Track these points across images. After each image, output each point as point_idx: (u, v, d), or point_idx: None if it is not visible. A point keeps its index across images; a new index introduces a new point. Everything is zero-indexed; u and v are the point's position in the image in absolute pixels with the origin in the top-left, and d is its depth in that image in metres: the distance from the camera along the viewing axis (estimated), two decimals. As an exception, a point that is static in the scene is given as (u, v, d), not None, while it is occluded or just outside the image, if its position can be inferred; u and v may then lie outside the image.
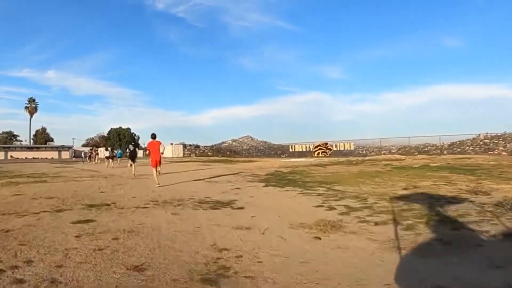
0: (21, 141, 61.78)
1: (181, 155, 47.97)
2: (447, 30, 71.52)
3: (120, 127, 63.44)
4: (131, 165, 13.77)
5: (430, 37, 74.42)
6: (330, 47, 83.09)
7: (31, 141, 60.75)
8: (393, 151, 32.62)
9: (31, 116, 60.99)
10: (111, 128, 63.21)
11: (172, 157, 43.09)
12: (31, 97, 60.77)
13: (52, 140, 62.47)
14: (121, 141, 60.87)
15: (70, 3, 77.20)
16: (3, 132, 60.64)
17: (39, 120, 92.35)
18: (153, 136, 9.16)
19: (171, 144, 50.75)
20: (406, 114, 75.85)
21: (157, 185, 8.48)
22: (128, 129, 63.74)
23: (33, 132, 62.33)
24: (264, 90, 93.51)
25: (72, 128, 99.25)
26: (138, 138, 66.56)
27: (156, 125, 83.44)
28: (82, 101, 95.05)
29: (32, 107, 60.76)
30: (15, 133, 62.27)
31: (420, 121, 71.70)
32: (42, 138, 61.30)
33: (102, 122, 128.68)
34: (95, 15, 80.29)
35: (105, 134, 64.18)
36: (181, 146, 50.11)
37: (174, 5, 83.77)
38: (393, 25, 75.97)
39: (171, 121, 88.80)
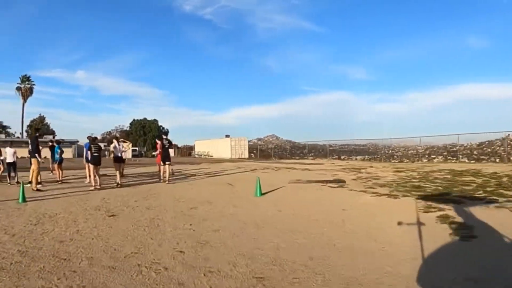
0: (12, 134, 45.53)
1: (247, 155, 29.54)
2: (472, 29, 68.78)
3: (145, 118, 46.45)
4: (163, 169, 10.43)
5: (454, 36, 70.69)
6: (353, 47, 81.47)
7: (24, 133, 44.42)
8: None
9: (25, 100, 44.64)
10: (134, 120, 46.43)
11: (232, 158, 24.82)
12: (25, 75, 44.23)
13: (52, 133, 45.92)
14: (146, 136, 43.68)
15: (100, 5, 75.63)
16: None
17: (66, 119, 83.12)
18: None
19: (227, 136, 32.34)
20: (429, 114, 72.97)
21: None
22: (155, 120, 46.92)
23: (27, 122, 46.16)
24: (288, 90, 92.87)
25: (97, 127, 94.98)
26: (167, 132, 48.86)
27: (181, 123, 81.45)
28: (109, 100, 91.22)
29: (25, 88, 44.25)
30: (4, 123, 46.25)
31: (444, 121, 67.18)
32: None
33: (128, 120, 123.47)
34: (124, 17, 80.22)
35: (127, 128, 47.51)
36: (246, 141, 31.56)
37: (202, 7, 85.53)
38: (417, 25, 73.29)
39: (195, 120, 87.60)
